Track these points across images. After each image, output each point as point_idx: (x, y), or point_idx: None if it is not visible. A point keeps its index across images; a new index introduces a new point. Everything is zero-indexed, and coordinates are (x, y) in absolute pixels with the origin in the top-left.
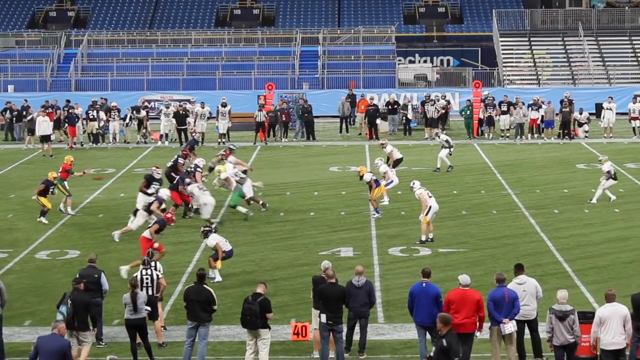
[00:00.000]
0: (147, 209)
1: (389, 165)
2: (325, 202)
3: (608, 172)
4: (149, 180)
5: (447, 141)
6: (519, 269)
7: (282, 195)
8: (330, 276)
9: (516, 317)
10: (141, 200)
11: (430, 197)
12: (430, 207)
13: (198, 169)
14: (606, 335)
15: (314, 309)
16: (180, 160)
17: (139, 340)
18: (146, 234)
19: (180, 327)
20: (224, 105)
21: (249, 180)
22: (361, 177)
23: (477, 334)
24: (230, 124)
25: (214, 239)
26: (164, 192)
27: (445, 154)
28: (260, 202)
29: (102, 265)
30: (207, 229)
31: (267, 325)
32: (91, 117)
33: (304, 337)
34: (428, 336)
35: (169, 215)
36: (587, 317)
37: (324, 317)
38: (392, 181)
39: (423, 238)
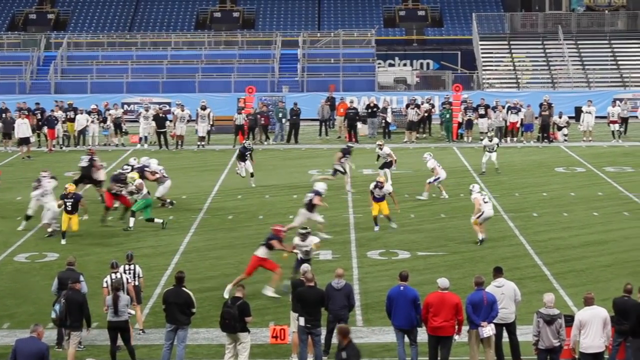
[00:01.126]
0: (309, 205)
1: (384, 167)
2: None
3: None
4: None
5: (498, 144)
6: (497, 272)
7: (261, 198)
8: (309, 279)
9: (494, 320)
10: (34, 205)
11: (486, 202)
12: (482, 213)
13: (146, 169)
14: (586, 338)
15: (293, 312)
16: (96, 158)
17: (119, 342)
18: (260, 252)
19: (159, 329)
20: (204, 108)
21: (169, 182)
22: (380, 188)
23: (456, 337)
24: (211, 127)
25: (311, 241)
26: (321, 186)
27: (495, 157)
28: (168, 201)
29: (81, 268)
30: (306, 231)
31: (246, 329)
32: (61, 119)
33: (282, 340)
34: (406, 339)
35: (278, 227)
36: (566, 321)
37: (302, 321)
38: (438, 177)
39: (480, 237)
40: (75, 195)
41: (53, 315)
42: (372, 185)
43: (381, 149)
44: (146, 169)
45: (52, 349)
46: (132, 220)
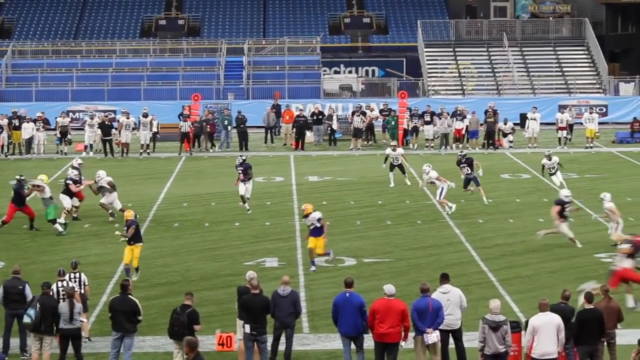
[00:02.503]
0: (559, 212)
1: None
2: (250, 213)
3: None
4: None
5: (560, 164)
6: (444, 279)
7: (207, 206)
8: (254, 286)
9: (440, 327)
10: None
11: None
12: (618, 223)
13: (69, 182)
14: (539, 344)
15: (239, 320)
16: None
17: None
18: (626, 264)
19: (105, 337)
20: (145, 115)
21: (113, 195)
22: (305, 216)
23: (402, 343)
24: (156, 135)
25: None
26: (564, 193)
27: (557, 179)
28: (109, 212)
29: (26, 276)
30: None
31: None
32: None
33: (229, 348)
34: (353, 346)
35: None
36: (511, 327)
37: (247, 328)
38: (442, 187)
39: None
40: (131, 222)
41: (27, 320)
42: (314, 216)
43: (394, 150)
44: (68, 182)
45: None
46: (58, 226)
